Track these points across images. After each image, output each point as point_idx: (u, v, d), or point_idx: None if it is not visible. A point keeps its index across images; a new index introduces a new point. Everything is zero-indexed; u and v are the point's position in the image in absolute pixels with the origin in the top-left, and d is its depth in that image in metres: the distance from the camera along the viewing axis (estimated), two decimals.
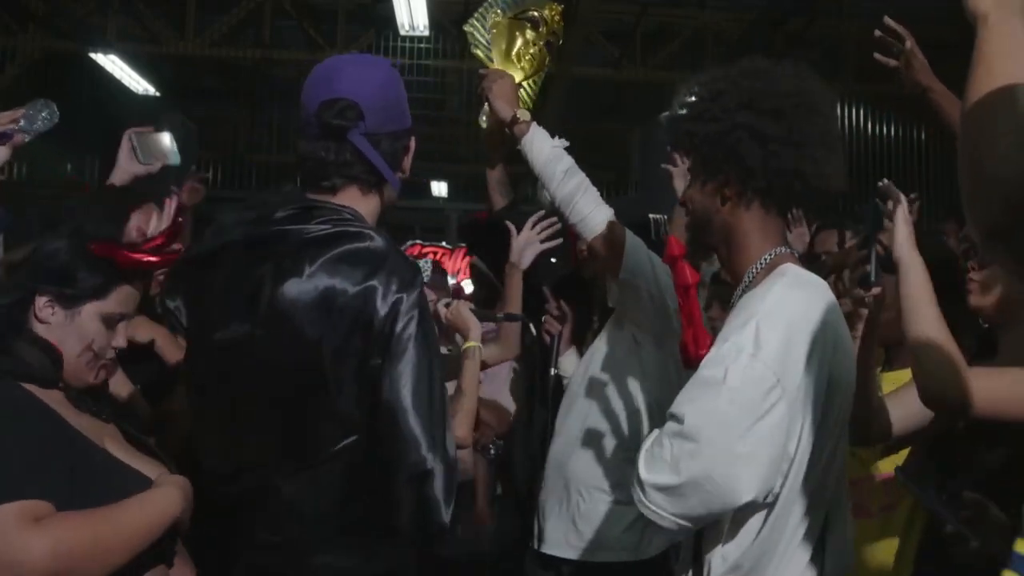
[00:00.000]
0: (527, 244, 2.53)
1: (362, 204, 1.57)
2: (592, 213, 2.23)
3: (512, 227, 2.57)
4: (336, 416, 1.44)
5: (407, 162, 1.65)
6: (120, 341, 1.59)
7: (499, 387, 3.18)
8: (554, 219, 2.51)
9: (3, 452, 1.36)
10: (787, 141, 1.48)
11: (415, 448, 1.39)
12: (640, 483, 1.37)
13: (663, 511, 1.36)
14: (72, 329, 1.51)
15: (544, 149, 2.24)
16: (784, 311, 1.41)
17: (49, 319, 1.50)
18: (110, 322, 1.56)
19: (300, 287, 1.44)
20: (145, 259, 1.57)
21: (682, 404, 1.39)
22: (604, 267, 2.47)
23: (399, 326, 1.42)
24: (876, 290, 1.72)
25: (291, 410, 1.47)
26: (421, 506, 1.40)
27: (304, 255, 1.45)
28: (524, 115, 2.29)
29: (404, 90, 1.65)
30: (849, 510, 1.58)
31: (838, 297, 1.55)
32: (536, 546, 2.49)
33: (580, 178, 2.23)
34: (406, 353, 1.41)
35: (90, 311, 1.53)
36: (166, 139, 2.40)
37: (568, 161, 2.24)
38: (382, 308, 1.42)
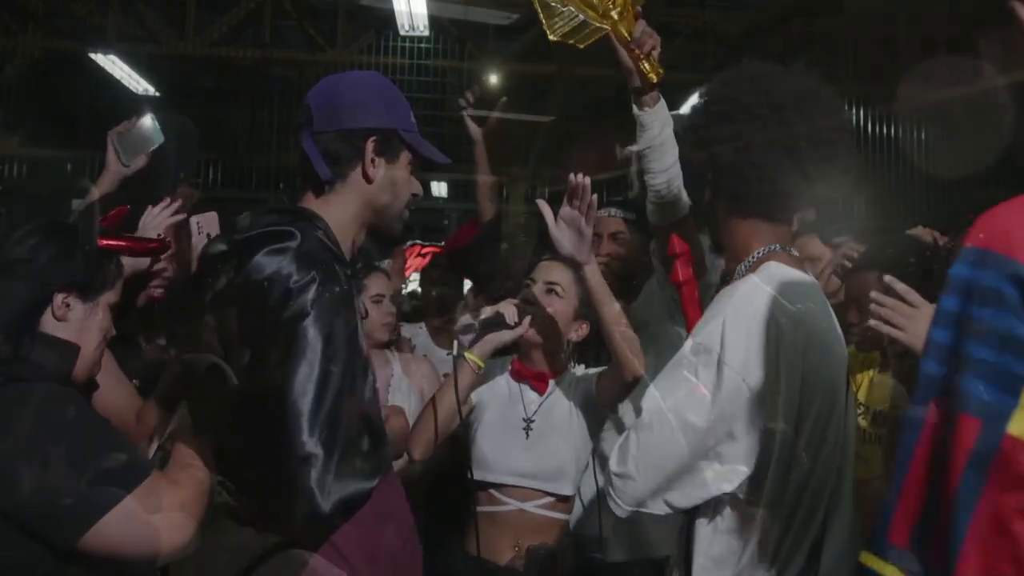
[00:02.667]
0: (573, 229, 1.91)
1: (320, 205, 1.62)
2: (683, 197, 2.12)
3: (547, 210, 1.93)
4: (251, 401, 1.49)
5: (367, 164, 1.61)
6: (112, 329, 1.65)
7: None
8: (585, 181, 1.91)
9: (102, 440, 1.43)
10: (727, 144, 1.49)
11: (296, 433, 1.40)
12: (608, 476, 1.41)
13: (629, 501, 1.39)
14: (92, 322, 1.56)
15: (669, 122, 2.09)
16: (748, 309, 1.42)
17: (67, 316, 1.52)
18: (112, 310, 1.62)
19: (231, 284, 1.52)
20: (148, 246, 1.67)
21: (647, 398, 1.42)
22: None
23: (288, 314, 1.44)
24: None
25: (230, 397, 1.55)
26: (297, 492, 1.39)
27: (240, 257, 1.52)
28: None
29: (370, 93, 1.65)
30: (854, 511, 1.57)
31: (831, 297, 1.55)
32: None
33: None
34: (296, 341, 1.43)
35: (105, 302, 1.59)
36: (146, 123, 2.38)
37: None
38: (276, 296, 1.45)
